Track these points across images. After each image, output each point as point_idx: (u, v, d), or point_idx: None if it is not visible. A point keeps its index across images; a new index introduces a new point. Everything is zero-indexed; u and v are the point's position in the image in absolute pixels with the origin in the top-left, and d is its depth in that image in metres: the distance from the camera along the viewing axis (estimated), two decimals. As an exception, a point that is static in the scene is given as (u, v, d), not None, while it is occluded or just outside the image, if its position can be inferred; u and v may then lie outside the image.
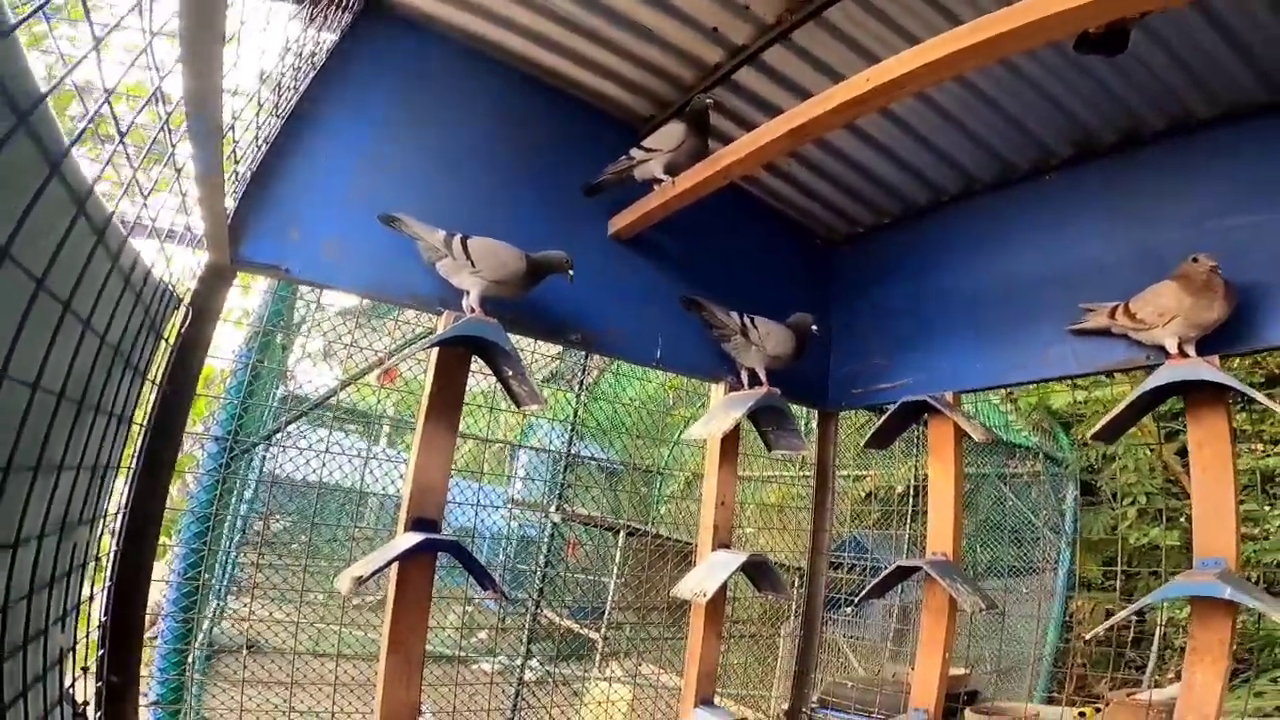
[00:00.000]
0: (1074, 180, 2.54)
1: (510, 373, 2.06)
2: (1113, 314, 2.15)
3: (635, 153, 2.43)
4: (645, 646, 4.69)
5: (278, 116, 1.85)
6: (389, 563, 1.84)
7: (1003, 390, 4.46)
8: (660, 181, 2.38)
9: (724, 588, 2.45)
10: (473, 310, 2.01)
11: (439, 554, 2.05)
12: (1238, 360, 4.04)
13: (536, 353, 4.30)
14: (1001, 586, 4.67)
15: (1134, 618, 3.76)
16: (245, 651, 2.87)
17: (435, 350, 2.02)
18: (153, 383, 1.56)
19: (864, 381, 2.98)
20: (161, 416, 1.66)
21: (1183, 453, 4.74)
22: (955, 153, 2.67)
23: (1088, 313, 2.26)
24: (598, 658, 4.62)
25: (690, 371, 2.88)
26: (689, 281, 2.69)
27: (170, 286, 1.47)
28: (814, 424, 3.28)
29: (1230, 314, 1.94)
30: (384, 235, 2.00)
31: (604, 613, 4.63)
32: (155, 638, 2.62)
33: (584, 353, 3.73)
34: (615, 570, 4.56)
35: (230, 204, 1.71)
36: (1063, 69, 2.21)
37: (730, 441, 2.62)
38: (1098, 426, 2.10)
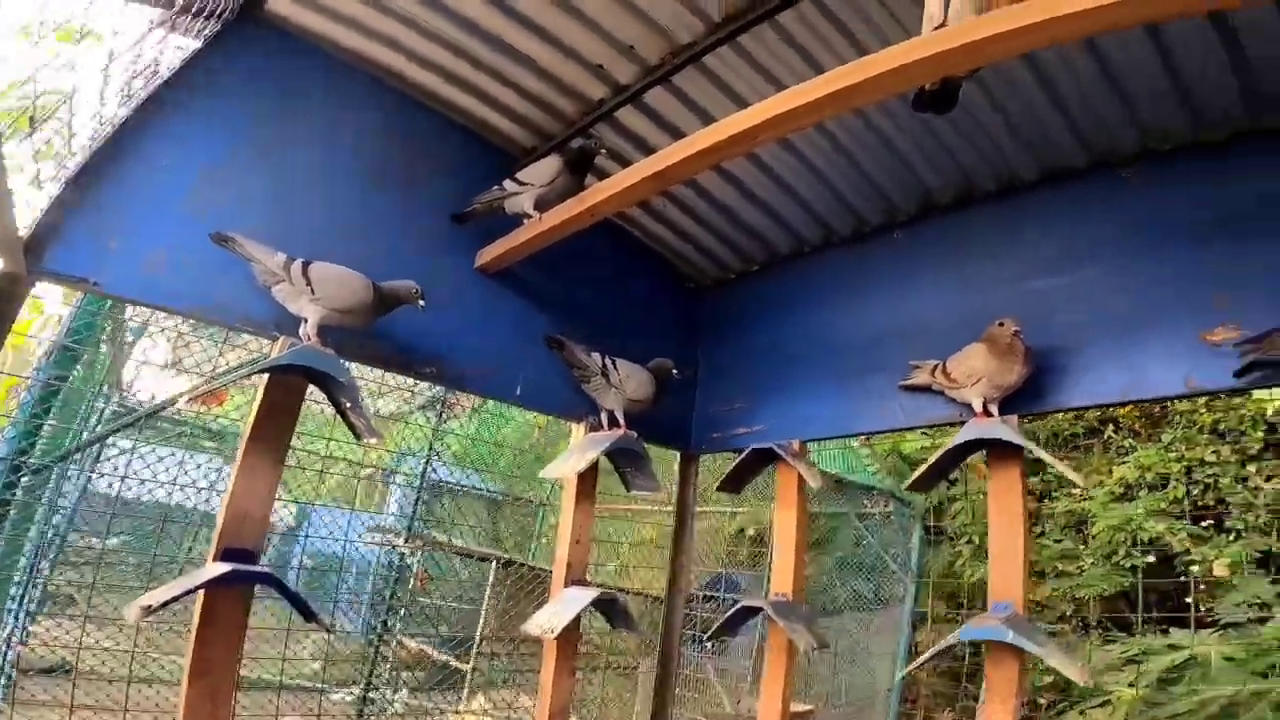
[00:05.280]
0: (917, 237, 2.67)
1: (347, 404, 1.98)
2: (933, 372, 2.31)
3: (508, 184, 2.41)
4: (516, 678, 4.60)
5: (102, 121, 1.73)
6: (186, 593, 1.73)
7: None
8: (530, 216, 2.37)
9: (576, 623, 2.45)
10: (309, 338, 1.93)
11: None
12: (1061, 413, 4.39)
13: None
14: (860, 621, 4.89)
15: (968, 650, 4.02)
16: (20, 674, 2.61)
17: (266, 376, 1.92)
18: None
19: (724, 426, 3.05)
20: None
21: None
22: (816, 203, 2.78)
23: (915, 369, 2.42)
24: (465, 689, 4.48)
25: (552, 410, 2.86)
26: (558, 319, 2.68)
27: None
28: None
29: (1028, 377, 2.10)
30: (219, 252, 1.89)
31: (473, 644, 4.51)
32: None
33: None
34: (486, 600, 4.45)
35: (29, 208, 1.58)
36: (912, 126, 2.33)
37: (587, 480, 2.62)
38: (913, 478, 2.26)
